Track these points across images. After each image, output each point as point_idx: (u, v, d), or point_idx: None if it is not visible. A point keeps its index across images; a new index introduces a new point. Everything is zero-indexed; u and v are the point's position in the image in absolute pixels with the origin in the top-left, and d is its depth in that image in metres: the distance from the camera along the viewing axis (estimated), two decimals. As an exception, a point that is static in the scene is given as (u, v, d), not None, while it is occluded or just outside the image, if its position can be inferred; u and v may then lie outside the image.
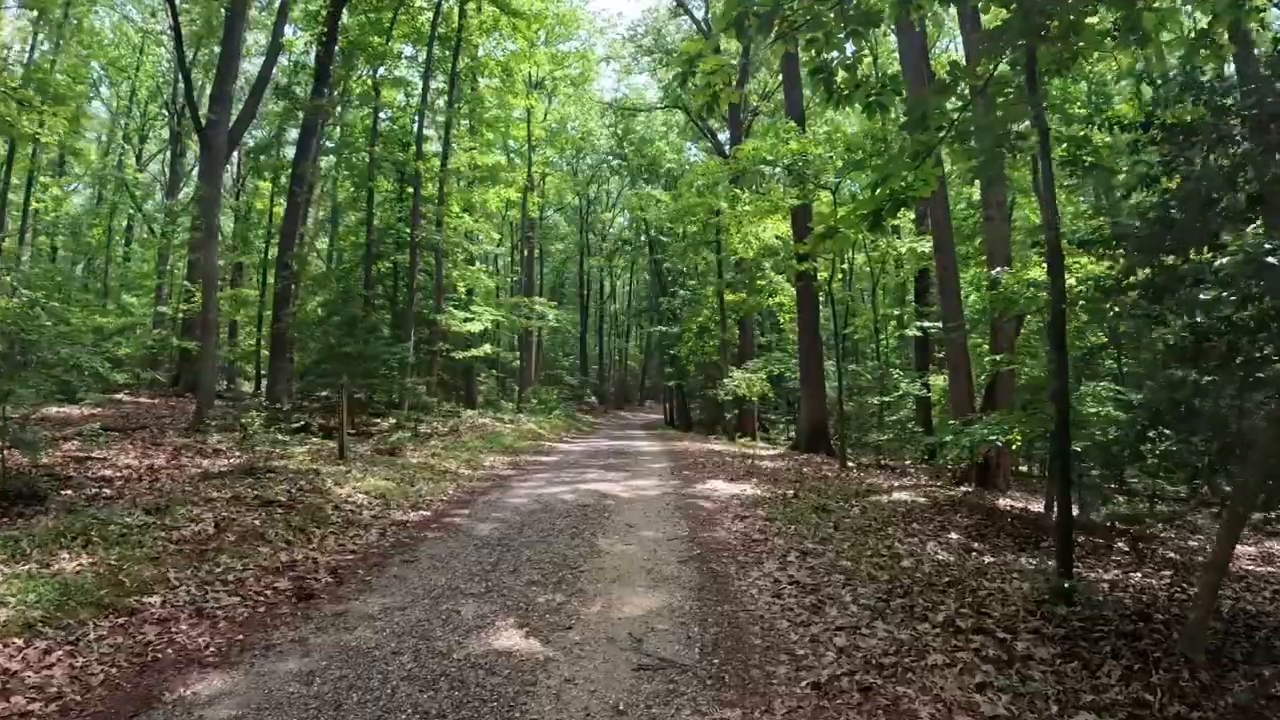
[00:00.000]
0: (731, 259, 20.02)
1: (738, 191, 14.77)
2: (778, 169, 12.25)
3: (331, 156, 20.41)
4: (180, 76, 16.36)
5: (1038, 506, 9.80)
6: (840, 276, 12.87)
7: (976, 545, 6.32)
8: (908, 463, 15.63)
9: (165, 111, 27.69)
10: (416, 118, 15.10)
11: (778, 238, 14.62)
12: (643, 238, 34.49)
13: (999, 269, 9.92)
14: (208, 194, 12.73)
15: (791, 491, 7.90)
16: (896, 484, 9.86)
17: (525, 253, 32.74)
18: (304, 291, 14.05)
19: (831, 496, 7.81)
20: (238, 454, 9.66)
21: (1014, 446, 7.96)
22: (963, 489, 9.96)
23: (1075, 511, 6.94)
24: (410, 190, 16.42)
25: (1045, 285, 8.35)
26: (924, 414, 16.54)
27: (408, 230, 16.16)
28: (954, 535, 6.59)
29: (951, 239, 11.52)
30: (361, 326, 12.75)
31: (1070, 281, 7.14)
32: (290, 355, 14.20)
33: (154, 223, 28.72)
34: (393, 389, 12.42)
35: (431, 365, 17.97)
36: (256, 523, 5.97)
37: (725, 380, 17.90)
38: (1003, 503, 9.52)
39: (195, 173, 24.07)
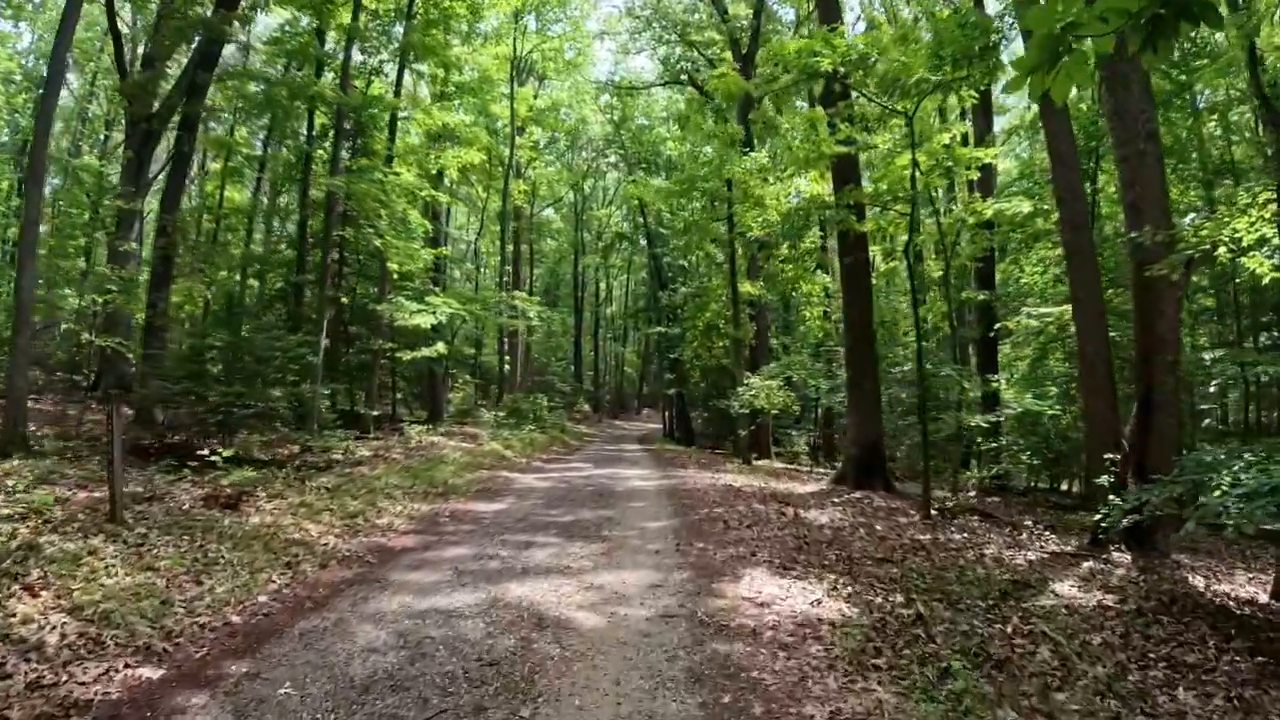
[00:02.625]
0: (744, 238, 16.42)
1: (750, 124, 11.16)
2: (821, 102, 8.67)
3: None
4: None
5: (1251, 588, 6.28)
6: (899, 246, 9.35)
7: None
8: (973, 494, 12.14)
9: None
10: (347, 39, 11.47)
11: (807, 205, 11.08)
12: (640, 234, 31.19)
13: (1193, 216, 6.46)
14: (36, 143, 9.31)
15: (901, 598, 4.27)
16: (1031, 555, 6.30)
17: (512, 246, 29.23)
18: (187, 268, 10.53)
19: (969, 607, 4.23)
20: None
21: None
22: (1118, 556, 6.63)
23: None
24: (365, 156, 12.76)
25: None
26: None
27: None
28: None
29: (1080, 179, 8.00)
30: (238, 311, 9.23)
31: None
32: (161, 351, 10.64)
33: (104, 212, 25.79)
34: (276, 399, 8.80)
35: (373, 368, 14.40)
36: None
37: (740, 389, 14.29)
38: (1198, 584, 6.01)
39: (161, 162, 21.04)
